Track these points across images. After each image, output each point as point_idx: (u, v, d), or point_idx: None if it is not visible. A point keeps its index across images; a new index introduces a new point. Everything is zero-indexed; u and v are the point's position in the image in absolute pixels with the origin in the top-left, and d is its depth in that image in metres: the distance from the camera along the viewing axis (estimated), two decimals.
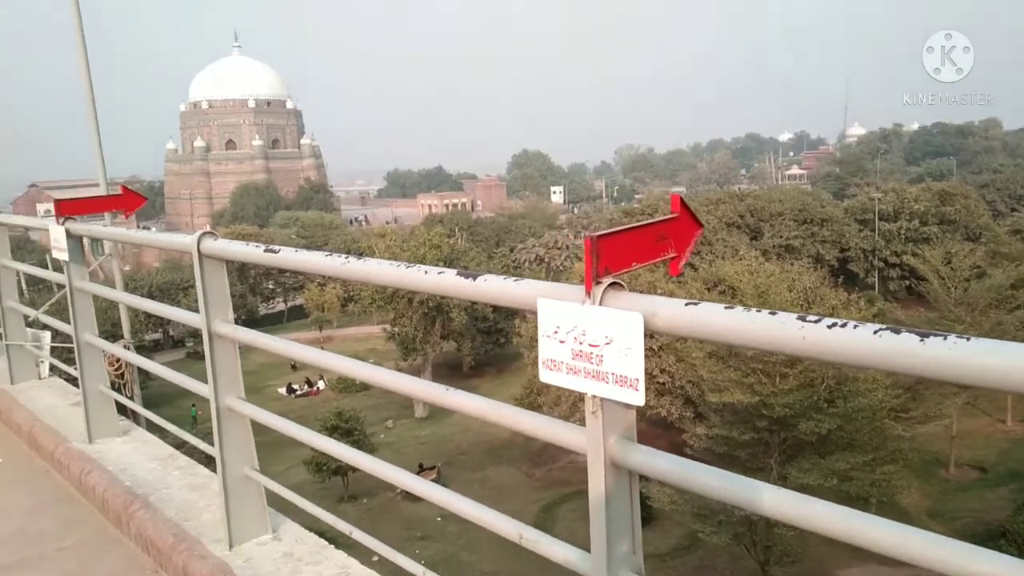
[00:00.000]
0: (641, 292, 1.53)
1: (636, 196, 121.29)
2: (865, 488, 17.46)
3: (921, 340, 1.14)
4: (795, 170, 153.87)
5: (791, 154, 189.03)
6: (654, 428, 29.75)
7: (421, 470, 28.07)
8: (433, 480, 28.32)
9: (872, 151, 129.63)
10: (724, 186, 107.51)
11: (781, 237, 49.28)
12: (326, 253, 2.25)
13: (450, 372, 42.59)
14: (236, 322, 2.85)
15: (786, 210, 51.21)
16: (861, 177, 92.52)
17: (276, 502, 2.97)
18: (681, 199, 1.74)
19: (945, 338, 1.13)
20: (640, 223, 1.62)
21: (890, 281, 50.19)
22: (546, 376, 1.62)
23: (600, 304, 1.50)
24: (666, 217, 1.69)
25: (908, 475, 19.60)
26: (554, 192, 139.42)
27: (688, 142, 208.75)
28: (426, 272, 1.90)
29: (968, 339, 1.11)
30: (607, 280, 1.51)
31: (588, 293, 1.51)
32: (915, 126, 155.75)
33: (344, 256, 2.16)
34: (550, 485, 26.48)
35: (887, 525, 1.26)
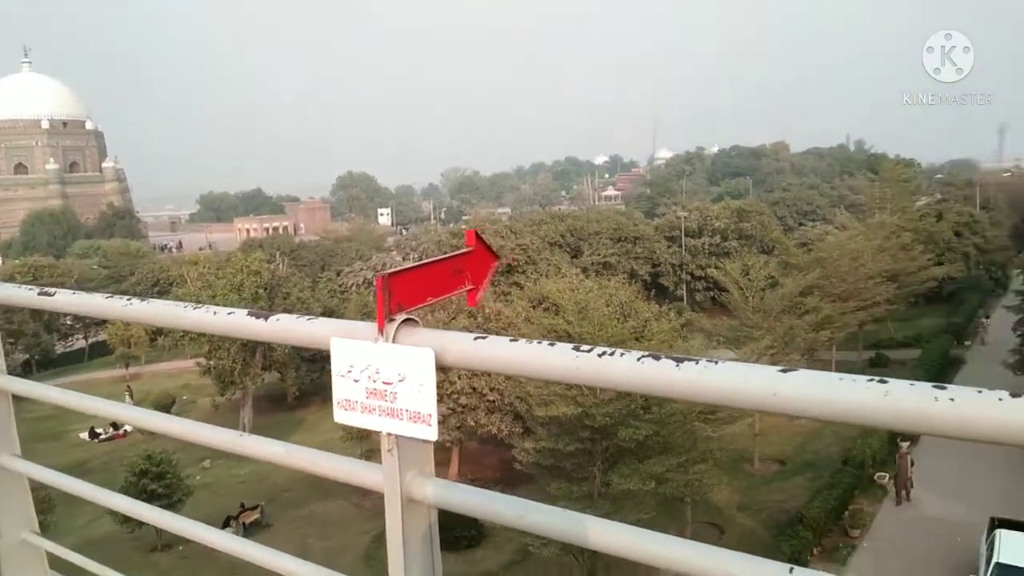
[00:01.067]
0: (435, 328, 1.56)
1: (464, 217, 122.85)
2: (680, 488, 18.67)
3: (677, 365, 1.24)
4: (611, 191, 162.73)
5: (607, 176, 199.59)
6: (485, 446, 30.10)
7: (243, 511, 26.61)
8: (256, 520, 26.77)
9: (678, 173, 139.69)
10: (546, 207, 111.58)
11: (599, 255, 51.88)
12: (106, 295, 2.09)
13: (273, 404, 40.78)
14: (30, 364, 2.59)
15: (603, 229, 53.99)
16: (669, 197, 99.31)
17: (62, 565, 2.70)
18: (476, 233, 1.79)
19: (697, 362, 1.24)
20: (434, 259, 1.66)
21: (697, 292, 54.17)
22: (341, 416, 1.60)
23: (393, 341, 1.51)
24: (461, 251, 1.73)
25: (719, 473, 21.15)
26: (381, 214, 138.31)
27: (512, 165, 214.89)
28: (215, 313, 1.82)
29: (716, 362, 1.23)
30: (400, 317, 1.53)
31: (381, 331, 1.51)
32: (715, 149, 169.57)
33: (126, 298, 2.02)
34: (382, 513, 25.97)
35: (659, 540, 1.37)
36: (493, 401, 24.84)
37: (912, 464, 22.67)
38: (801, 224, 65.46)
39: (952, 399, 1.02)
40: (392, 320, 1.51)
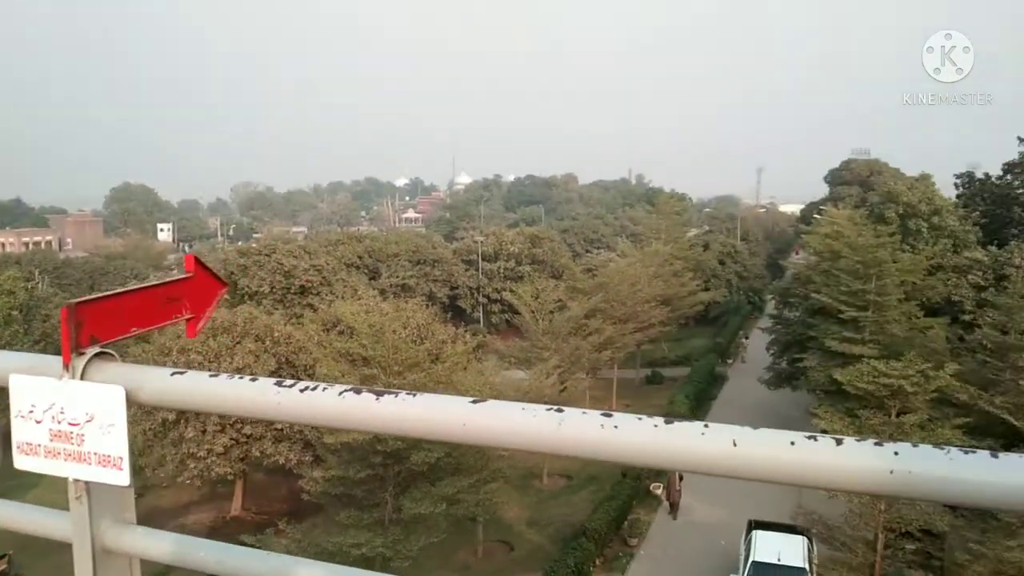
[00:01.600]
0: (133, 363, 1.44)
1: (255, 235, 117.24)
2: (472, 508, 18.93)
3: (377, 399, 1.24)
4: (411, 213, 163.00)
5: (407, 198, 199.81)
6: (273, 476, 28.72)
7: None
8: (3, 571, 23.47)
9: (477, 198, 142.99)
10: (345, 227, 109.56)
11: (398, 277, 51.71)
12: None
13: None
14: None
15: (402, 251, 53.93)
16: (468, 221, 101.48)
17: None
18: (195, 258, 1.69)
19: (396, 395, 1.24)
20: (140, 286, 1.54)
21: (493, 315, 55.56)
22: (22, 462, 1.43)
23: (81, 378, 1.37)
24: (178, 277, 1.62)
25: (509, 490, 21.76)
26: (161, 230, 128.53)
27: (308, 183, 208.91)
28: None
29: (414, 395, 1.23)
30: (92, 351, 1.39)
31: (67, 366, 1.37)
32: (511, 177, 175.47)
33: None
34: None
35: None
36: (281, 429, 23.79)
37: (681, 477, 24.36)
38: (588, 251, 69.32)
39: (616, 426, 1.09)
40: (81, 354, 1.38)
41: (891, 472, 0.95)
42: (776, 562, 18.61)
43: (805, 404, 32.11)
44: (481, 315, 56.31)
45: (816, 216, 45.89)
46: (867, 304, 27.19)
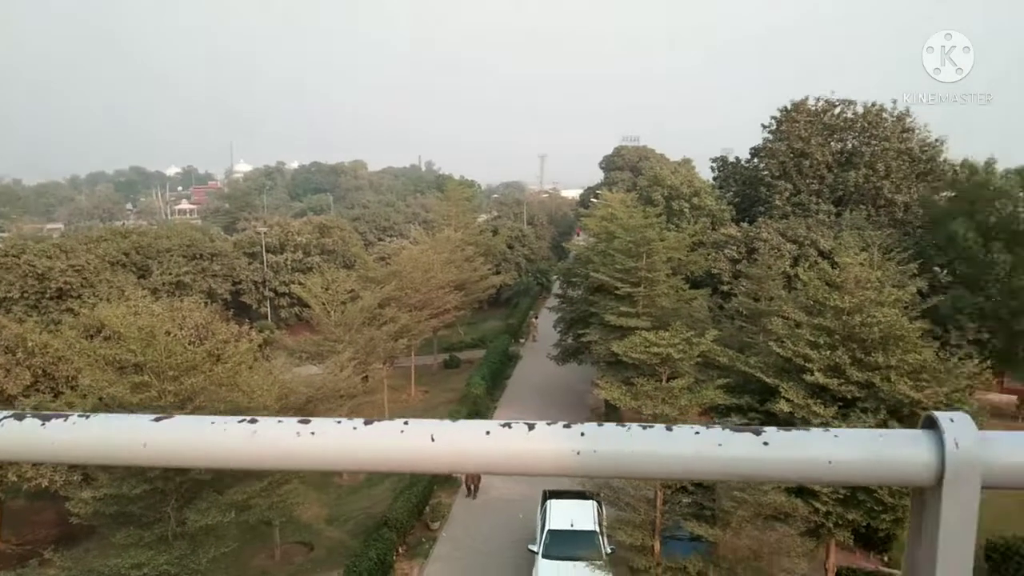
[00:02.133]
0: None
1: (1, 234, 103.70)
2: (265, 512, 18.12)
3: (43, 424, 1.08)
4: (185, 205, 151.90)
5: (180, 188, 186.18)
6: (37, 502, 25.78)
7: None
8: None
9: (259, 187, 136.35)
10: (108, 222, 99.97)
11: (171, 274, 47.98)
12: None
13: None
14: None
15: (175, 246, 50.07)
16: (250, 211, 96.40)
17: None
18: None
19: (66, 418, 1.08)
20: None
21: (282, 309, 53.35)
22: None
23: None
24: None
25: (306, 490, 21.04)
26: None
27: (64, 174, 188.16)
28: None
29: (87, 416, 1.09)
30: None
31: None
32: (296, 164, 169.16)
33: None
34: None
35: None
36: None
37: None
38: (380, 239, 68.64)
39: (312, 432, 1.02)
40: None
41: (577, 453, 0.97)
42: (569, 527, 19.67)
43: (591, 376, 34.10)
44: (269, 310, 53.87)
45: (593, 200, 48.71)
46: (640, 280, 29.30)
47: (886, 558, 21.00)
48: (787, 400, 18.66)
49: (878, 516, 18.16)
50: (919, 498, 1.02)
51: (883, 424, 18.21)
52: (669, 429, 0.99)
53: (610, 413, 29.11)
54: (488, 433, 1.00)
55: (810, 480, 1.00)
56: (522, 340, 48.58)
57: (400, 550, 22.24)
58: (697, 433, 0.99)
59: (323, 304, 30.80)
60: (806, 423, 17.95)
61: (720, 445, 0.98)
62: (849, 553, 20.49)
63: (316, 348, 30.14)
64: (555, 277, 52.51)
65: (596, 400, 31.91)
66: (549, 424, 1.01)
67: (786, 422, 18.58)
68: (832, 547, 18.90)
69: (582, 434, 0.98)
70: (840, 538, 18.11)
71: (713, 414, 20.22)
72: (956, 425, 0.99)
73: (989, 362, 25.46)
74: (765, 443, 0.98)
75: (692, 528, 16.19)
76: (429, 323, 36.41)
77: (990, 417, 23.11)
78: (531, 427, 1.00)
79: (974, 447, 0.97)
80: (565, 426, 1.00)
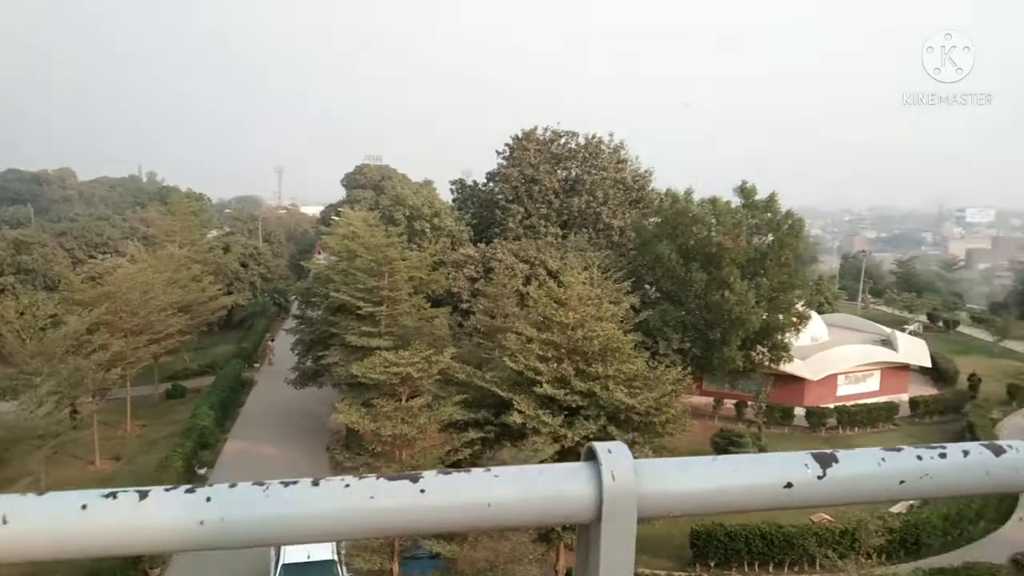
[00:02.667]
0: None
1: None
2: None
3: None
4: None
5: None
6: None
7: None
8: None
9: None
10: None
11: None
12: None
13: None
14: None
15: None
16: None
17: None
18: None
19: None
20: None
21: None
22: None
23: None
24: None
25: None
26: None
27: None
28: None
29: None
30: None
31: None
32: None
33: None
34: None
35: None
36: None
37: None
38: (92, 256, 61.45)
39: None
40: None
41: (201, 523, 0.81)
42: (306, 560, 18.87)
43: (332, 400, 33.24)
44: None
45: (334, 218, 47.73)
46: (382, 300, 29.17)
47: None
48: (519, 412, 19.54)
49: None
50: (583, 530, 1.00)
51: (602, 430, 19.77)
52: (315, 484, 0.87)
53: (351, 436, 28.53)
54: (85, 507, 0.80)
55: (471, 526, 0.94)
56: (257, 365, 46.11)
57: None
58: (347, 486, 0.88)
59: (17, 331, 26.80)
60: (536, 433, 18.95)
61: (372, 497, 0.88)
62: (570, 551, 21.89)
63: (9, 382, 26.18)
64: (294, 297, 50.56)
65: (338, 424, 31.16)
66: (168, 490, 0.84)
67: (519, 433, 19.47)
68: (561, 549, 20.06)
69: (208, 499, 0.83)
70: (568, 540, 19.28)
71: (452, 430, 20.61)
72: (613, 456, 0.98)
73: (690, 368, 28.85)
74: (422, 490, 0.90)
75: (431, 547, 16.31)
76: (148, 349, 33.21)
77: (691, 417, 26.02)
78: (143, 495, 0.83)
79: (629, 478, 0.97)
80: (188, 491, 0.84)
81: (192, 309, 38.72)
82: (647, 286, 35.83)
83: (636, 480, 0.98)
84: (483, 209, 45.30)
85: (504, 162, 44.57)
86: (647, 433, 20.65)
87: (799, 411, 36.33)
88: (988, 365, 47.96)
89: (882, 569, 18.98)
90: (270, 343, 49.27)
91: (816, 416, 35.77)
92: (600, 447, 1.00)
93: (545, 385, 20.39)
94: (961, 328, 62.46)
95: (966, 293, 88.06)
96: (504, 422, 20.39)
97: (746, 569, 22.19)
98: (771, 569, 22.35)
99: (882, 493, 1.10)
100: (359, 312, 29.35)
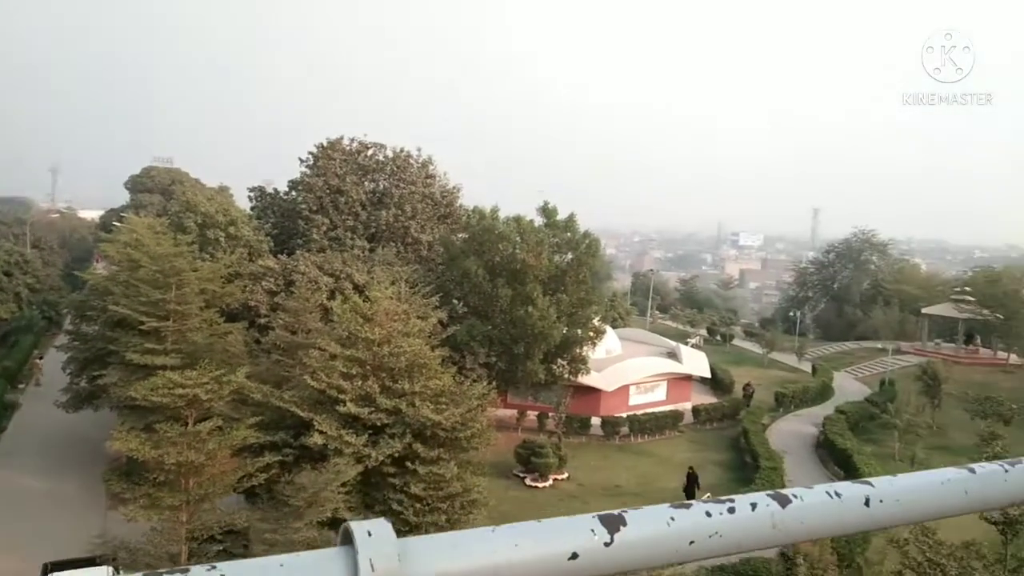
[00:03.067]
0: None
1: None
2: None
3: None
4: None
5: None
6: None
7: None
8: None
9: None
10: None
11: None
12: None
13: None
14: None
15: None
16: None
17: None
18: None
19: None
20: None
21: None
22: None
23: None
24: None
25: None
26: None
27: None
28: None
29: None
30: None
31: None
32: None
33: None
34: None
35: None
36: None
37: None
38: None
39: None
40: None
41: None
42: None
43: (110, 424, 30.22)
44: None
45: (116, 224, 43.76)
46: (168, 314, 26.97)
47: None
48: (320, 432, 18.80)
49: (406, 535, 19.30)
50: None
51: (408, 447, 19.48)
52: None
53: (132, 465, 26.04)
54: None
55: None
56: (22, 385, 41.11)
57: None
58: None
59: None
60: (339, 454, 18.29)
61: None
62: None
63: None
64: (67, 310, 45.60)
65: (117, 451, 28.35)
66: None
67: (320, 455, 18.69)
68: None
69: None
70: None
71: (247, 454, 19.37)
72: (373, 540, 0.85)
73: (495, 382, 29.33)
74: None
75: None
76: None
77: (496, 430, 26.43)
78: None
79: (393, 566, 0.85)
80: None
81: None
82: (455, 301, 36.07)
83: (400, 567, 0.85)
84: (284, 219, 43.54)
85: (308, 171, 43.16)
86: (453, 448, 20.60)
87: (595, 420, 38.14)
88: (759, 375, 53.26)
89: (671, 570, 20.16)
90: (38, 361, 44.18)
91: (611, 425, 37.75)
92: (358, 528, 0.86)
93: (349, 404, 19.76)
94: (736, 341, 68.91)
95: (740, 309, 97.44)
96: (304, 443, 19.49)
97: None
98: None
99: (672, 556, 1.06)
100: (142, 327, 26.92)
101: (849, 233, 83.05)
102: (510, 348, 34.57)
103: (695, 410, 41.22)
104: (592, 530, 1.00)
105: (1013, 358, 54.62)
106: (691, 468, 30.05)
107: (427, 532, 18.74)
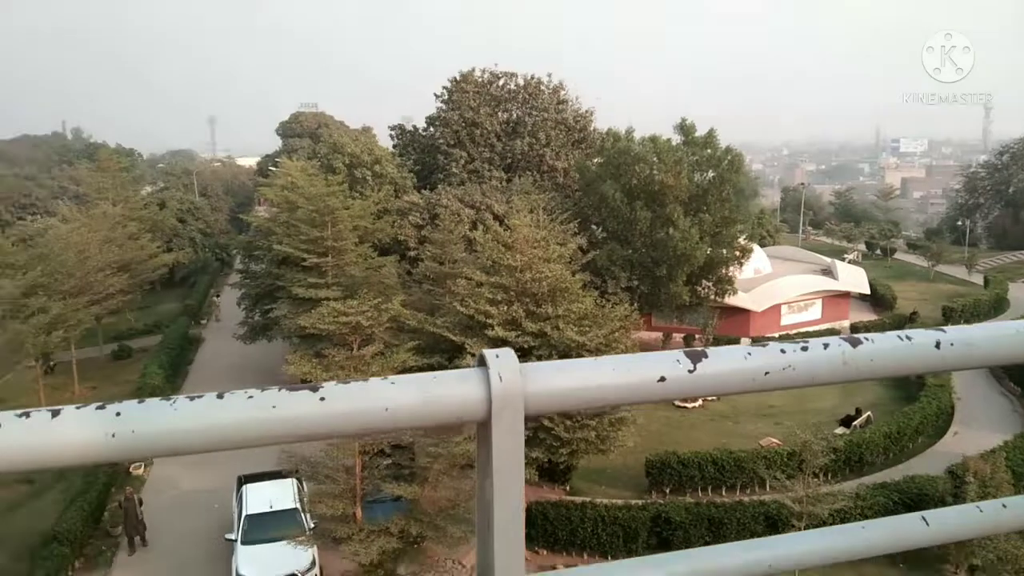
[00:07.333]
0: None
1: None
2: None
3: None
4: None
5: None
6: None
7: None
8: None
9: None
10: None
11: None
12: None
13: None
14: None
15: None
16: None
17: None
18: None
19: None
20: None
21: None
22: None
23: None
24: None
25: None
26: None
27: None
28: None
29: None
30: None
31: None
32: None
33: None
34: None
35: None
36: None
37: (141, 503, 21.25)
38: (21, 219, 59.18)
39: None
40: None
41: (112, 435, 0.88)
42: (269, 510, 19.02)
43: (282, 352, 33.02)
44: None
45: (272, 169, 46.65)
46: (327, 250, 28.85)
47: (567, 488, 23.33)
48: (472, 355, 19.74)
49: (557, 451, 20.14)
50: (481, 431, 1.09)
51: None
52: (220, 396, 0.94)
53: None
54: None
55: (370, 430, 1.02)
56: (204, 321, 45.44)
57: (76, 564, 19.86)
58: (251, 398, 0.95)
59: None
60: None
61: (274, 407, 0.95)
62: (536, 488, 22.42)
63: None
64: (236, 251, 49.58)
65: (290, 376, 31.03)
66: (79, 407, 0.90)
67: None
68: None
69: (118, 414, 0.89)
70: (526, 475, 19.74)
71: None
72: (500, 360, 1.07)
73: (638, 305, 29.39)
74: (322, 399, 0.98)
75: (392, 489, 16.53)
76: (89, 311, 32.37)
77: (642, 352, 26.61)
78: (55, 413, 0.89)
79: (516, 379, 1.06)
80: (99, 407, 0.90)
81: (132, 268, 37.77)
82: (593, 226, 36.08)
83: (522, 381, 1.06)
84: (425, 155, 44.74)
85: (443, 106, 43.87)
86: None
87: (745, 341, 37.38)
88: (924, 289, 50.02)
89: (828, 487, 19.92)
90: (215, 299, 48.52)
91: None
92: (489, 353, 1.09)
93: (497, 328, 20.59)
94: (898, 255, 64.67)
95: (902, 221, 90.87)
96: (458, 366, 20.56)
97: (699, 494, 23.08)
98: (723, 492, 23.30)
99: (748, 384, 1.20)
100: (304, 264, 29.00)
101: None
102: (652, 271, 34.32)
103: (853, 328, 39.51)
104: (678, 360, 1.18)
105: None
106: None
107: (578, 447, 19.24)
